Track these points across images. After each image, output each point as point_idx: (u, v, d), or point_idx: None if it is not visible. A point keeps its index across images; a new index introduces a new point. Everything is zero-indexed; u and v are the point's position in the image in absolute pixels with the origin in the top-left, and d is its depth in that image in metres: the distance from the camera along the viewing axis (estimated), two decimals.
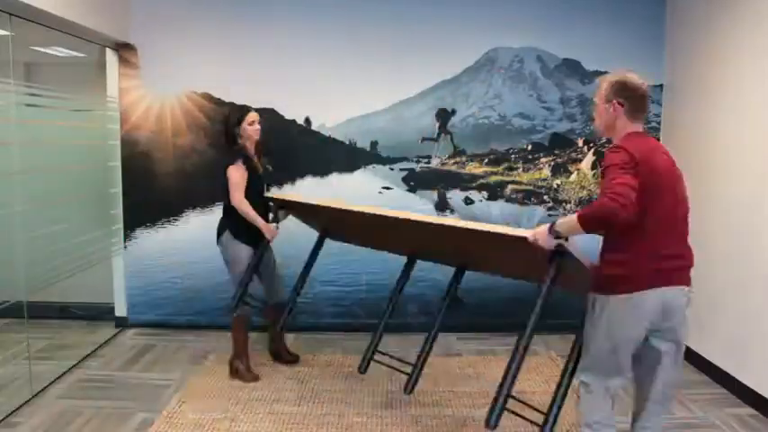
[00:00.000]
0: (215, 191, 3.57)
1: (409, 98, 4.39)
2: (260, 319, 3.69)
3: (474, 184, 4.47)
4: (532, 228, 2.17)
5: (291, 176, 4.41)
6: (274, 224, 3.44)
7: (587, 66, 4.39)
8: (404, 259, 3.26)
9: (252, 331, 3.48)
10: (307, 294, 4.44)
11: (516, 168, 4.48)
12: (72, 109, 3.98)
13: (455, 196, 4.46)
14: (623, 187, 1.90)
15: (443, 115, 4.44)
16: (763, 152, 3.18)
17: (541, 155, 4.47)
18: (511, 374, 2.18)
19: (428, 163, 4.47)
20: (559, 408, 2.27)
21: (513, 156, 4.49)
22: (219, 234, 3.41)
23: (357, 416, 3.08)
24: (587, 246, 2.18)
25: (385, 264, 4.07)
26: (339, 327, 4.36)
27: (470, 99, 4.46)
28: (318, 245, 3.52)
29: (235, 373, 3.52)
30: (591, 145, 4.46)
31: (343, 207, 2.97)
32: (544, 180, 4.46)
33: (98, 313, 4.53)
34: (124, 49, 4.25)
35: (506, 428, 2.91)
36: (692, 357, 3.83)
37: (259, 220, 3.32)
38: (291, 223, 3.65)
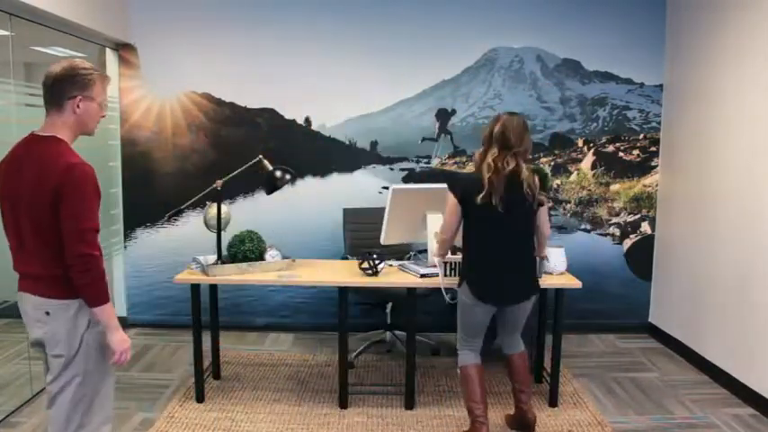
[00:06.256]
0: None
1: (409, 98, 4.38)
2: None
3: None
4: None
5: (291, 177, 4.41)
6: None
7: (587, 66, 4.39)
8: None
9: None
10: (307, 294, 4.45)
11: None
12: None
13: None
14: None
15: (443, 115, 4.43)
16: (762, 152, 3.18)
17: (541, 155, 4.47)
18: None
19: (428, 163, 4.46)
20: None
21: None
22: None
23: (357, 416, 3.08)
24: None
25: None
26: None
27: (470, 99, 4.45)
28: None
29: None
30: (591, 145, 4.46)
31: None
32: None
33: None
34: (124, 49, 4.26)
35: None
36: (692, 357, 3.84)
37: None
38: None
